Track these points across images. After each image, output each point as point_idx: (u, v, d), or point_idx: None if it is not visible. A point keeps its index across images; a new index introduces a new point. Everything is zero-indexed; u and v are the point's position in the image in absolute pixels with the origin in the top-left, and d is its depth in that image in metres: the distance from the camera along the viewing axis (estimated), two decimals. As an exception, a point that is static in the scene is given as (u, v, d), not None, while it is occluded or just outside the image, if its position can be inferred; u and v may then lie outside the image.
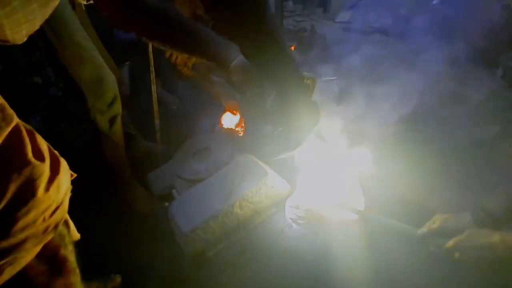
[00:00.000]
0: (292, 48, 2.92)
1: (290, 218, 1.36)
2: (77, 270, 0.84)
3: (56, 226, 0.65)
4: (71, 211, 0.76)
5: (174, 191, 1.62)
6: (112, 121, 1.40)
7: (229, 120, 1.90)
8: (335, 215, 1.30)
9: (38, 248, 0.64)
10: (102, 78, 1.30)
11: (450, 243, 0.94)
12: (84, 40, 1.27)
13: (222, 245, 1.34)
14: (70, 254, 0.80)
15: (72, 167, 0.73)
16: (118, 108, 1.40)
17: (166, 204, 1.60)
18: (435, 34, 2.60)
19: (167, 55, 1.60)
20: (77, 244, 0.86)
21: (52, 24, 1.19)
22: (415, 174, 1.44)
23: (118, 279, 1.26)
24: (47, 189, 0.57)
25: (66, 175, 0.65)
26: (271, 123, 0.88)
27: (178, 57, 1.62)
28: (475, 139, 1.72)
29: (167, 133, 1.99)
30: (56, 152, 0.64)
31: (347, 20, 3.40)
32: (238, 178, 1.41)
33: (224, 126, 1.89)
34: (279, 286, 1.23)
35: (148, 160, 1.85)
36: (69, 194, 0.68)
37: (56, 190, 0.59)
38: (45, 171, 0.56)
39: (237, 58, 0.81)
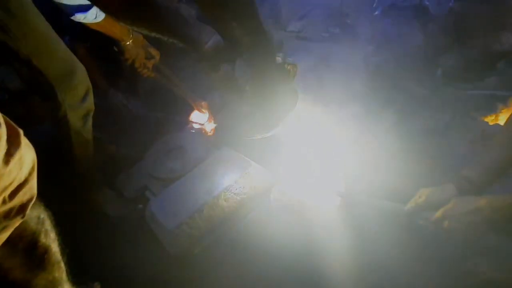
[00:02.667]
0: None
1: (275, 209, 1.35)
2: (62, 264, 0.71)
3: (22, 209, 0.54)
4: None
5: (147, 192, 1.53)
6: (85, 117, 1.29)
7: (198, 118, 1.87)
8: (319, 200, 1.32)
9: (2, 237, 0.52)
10: (73, 69, 1.19)
11: (439, 213, 0.96)
12: (49, 30, 1.16)
13: (208, 241, 1.29)
14: (52, 243, 0.67)
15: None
16: (91, 103, 1.29)
17: (140, 206, 1.51)
18: (378, 40, 2.83)
19: (124, 56, 1.49)
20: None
21: (12, 11, 1.07)
22: (386, 160, 1.51)
23: (97, 287, 1.14)
24: (6, 161, 0.46)
25: (28, 149, 0.54)
26: (248, 104, 0.86)
27: (136, 61, 1.52)
28: (429, 128, 1.88)
29: (132, 137, 1.89)
30: (12, 122, 0.52)
31: (298, 30, 3.55)
32: (220, 171, 1.38)
33: (193, 125, 1.85)
34: (267, 279, 1.21)
35: (114, 164, 1.73)
36: (35, 172, 0.56)
37: (18, 165, 0.49)
38: (1, 138, 0.46)
39: (211, 38, 0.78)
